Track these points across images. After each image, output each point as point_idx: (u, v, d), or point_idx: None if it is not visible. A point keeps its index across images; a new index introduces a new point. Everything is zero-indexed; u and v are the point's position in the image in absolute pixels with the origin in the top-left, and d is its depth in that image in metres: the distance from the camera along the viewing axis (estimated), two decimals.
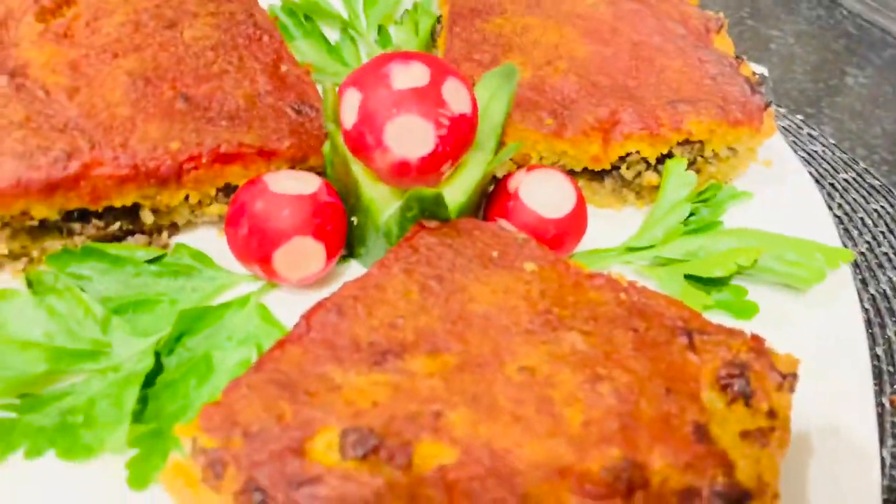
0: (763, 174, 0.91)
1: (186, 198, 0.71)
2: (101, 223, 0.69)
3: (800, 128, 1.12)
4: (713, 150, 0.85)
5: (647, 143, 0.83)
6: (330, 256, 0.69)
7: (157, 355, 0.64)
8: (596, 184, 0.88)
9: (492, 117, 0.76)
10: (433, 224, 0.68)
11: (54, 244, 0.68)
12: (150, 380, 0.63)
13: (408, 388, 0.52)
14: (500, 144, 0.78)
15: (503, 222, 0.74)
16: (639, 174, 0.86)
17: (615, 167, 0.86)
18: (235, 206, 0.68)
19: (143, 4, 0.80)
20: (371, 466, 0.47)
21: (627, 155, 0.84)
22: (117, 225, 0.70)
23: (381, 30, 1.04)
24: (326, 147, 0.71)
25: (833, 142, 1.11)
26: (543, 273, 0.65)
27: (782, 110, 1.13)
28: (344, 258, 0.76)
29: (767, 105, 0.85)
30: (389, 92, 0.66)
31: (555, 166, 0.83)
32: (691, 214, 0.83)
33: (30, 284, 0.65)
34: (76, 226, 0.68)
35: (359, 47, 1.01)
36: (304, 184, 0.69)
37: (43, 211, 0.64)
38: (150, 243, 0.72)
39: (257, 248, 0.67)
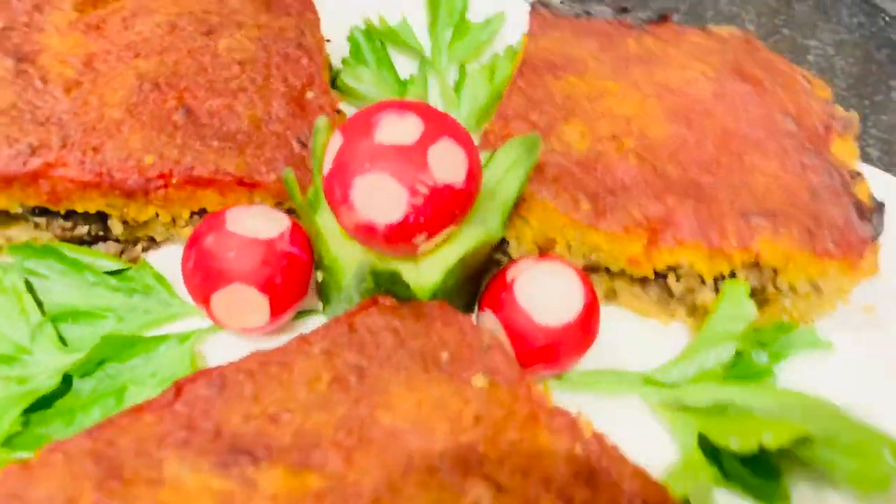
0: (858, 320, 0.72)
1: (158, 215, 0.66)
2: (67, 224, 0.66)
3: None
4: (789, 283, 0.68)
5: (703, 258, 0.68)
6: (276, 311, 0.62)
7: (67, 377, 0.59)
8: (638, 288, 0.73)
9: (502, 191, 0.64)
10: (388, 302, 0.58)
11: (21, 234, 0.66)
12: (48, 401, 0.58)
13: None
14: (510, 222, 0.67)
15: (487, 317, 0.63)
16: (691, 290, 0.71)
17: (661, 275, 0.71)
18: (193, 234, 0.62)
19: (191, 7, 0.77)
20: None
21: (678, 265, 0.69)
22: (85, 229, 0.66)
23: (461, 70, 0.95)
24: (310, 191, 0.64)
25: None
26: (492, 394, 0.53)
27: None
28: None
29: (874, 238, 0.67)
30: (369, 144, 0.57)
31: (584, 261, 0.70)
32: (739, 354, 0.66)
33: None
34: (41, 221, 0.65)
35: (429, 86, 0.93)
36: (269, 226, 0.62)
37: (2, 201, 0.62)
38: (121, 253, 0.68)
39: (199, 285, 0.61)
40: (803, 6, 1.19)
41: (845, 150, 0.76)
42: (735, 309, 0.67)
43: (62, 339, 0.62)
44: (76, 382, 0.60)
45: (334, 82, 0.85)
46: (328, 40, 0.83)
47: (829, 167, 0.72)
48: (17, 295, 0.62)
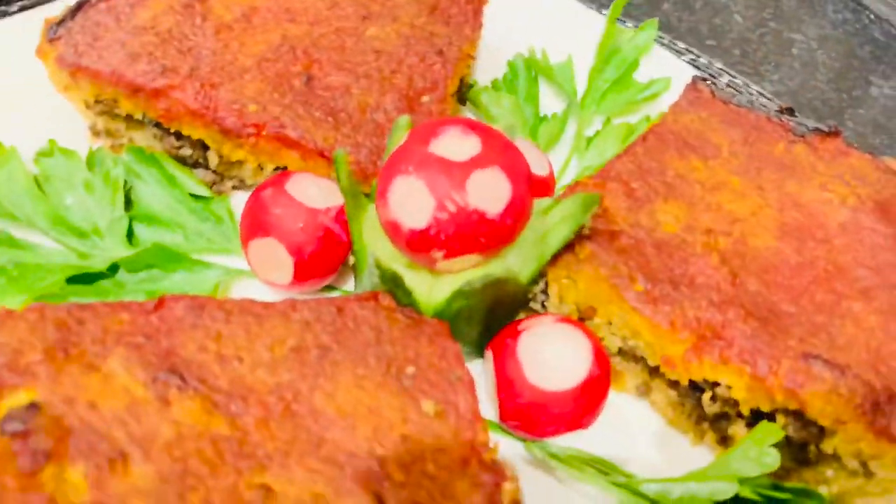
0: None
1: (248, 160, 0.72)
2: (175, 143, 0.74)
3: None
4: (835, 449, 0.59)
5: (743, 385, 0.61)
6: (299, 276, 0.65)
7: (115, 266, 0.67)
8: (675, 394, 0.67)
9: (548, 242, 0.62)
10: (387, 302, 0.59)
11: (141, 140, 0.75)
12: (91, 279, 0.66)
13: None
14: (558, 277, 0.65)
15: (487, 358, 0.61)
16: (725, 416, 0.64)
17: (699, 389, 0.64)
18: (261, 184, 0.67)
19: None
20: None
21: (715, 383, 0.63)
22: (189, 152, 0.74)
23: (606, 122, 0.93)
24: (374, 182, 0.66)
25: None
26: (435, 423, 0.52)
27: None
28: None
29: None
30: (422, 150, 0.58)
31: (622, 344, 0.66)
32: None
33: (90, 159, 0.72)
34: (158, 133, 0.74)
35: (566, 130, 0.92)
36: (322, 198, 0.65)
37: (128, 106, 0.72)
38: (213, 184, 0.76)
39: (245, 228, 0.66)
40: (791, 1, 1.21)
41: None
42: (756, 451, 0.59)
43: (131, 235, 0.70)
44: (121, 273, 0.67)
45: (463, 97, 0.87)
46: (472, 57, 0.85)
47: None
48: (114, 187, 0.71)
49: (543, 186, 0.74)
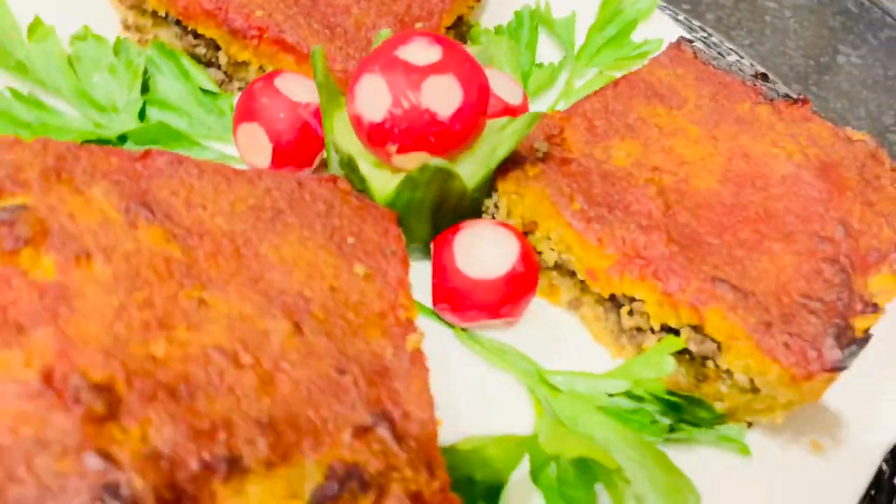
0: (800, 451, 0.66)
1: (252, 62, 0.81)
2: (193, 41, 0.83)
3: None
4: (727, 366, 0.64)
5: (655, 301, 0.67)
6: (277, 161, 0.73)
7: (123, 137, 0.77)
8: (601, 310, 0.73)
9: (493, 154, 0.69)
10: (343, 185, 0.67)
11: (164, 37, 0.85)
12: (102, 143, 0.76)
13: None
14: (510, 191, 0.72)
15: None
16: (640, 331, 0.70)
17: (618, 304, 0.71)
18: (255, 79, 0.76)
19: None
20: None
21: (633, 300, 0.69)
22: (203, 51, 0.83)
23: (599, 74, 0.99)
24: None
25: None
26: (362, 283, 0.60)
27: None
28: None
29: (833, 369, 0.61)
30: (388, 53, 0.66)
31: (556, 258, 0.72)
32: (639, 400, 0.65)
33: (117, 46, 0.82)
34: (179, 32, 0.83)
35: (556, 79, 0.98)
36: (304, 95, 0.73)
37: (154, 2, 0.81)
38: (221, 83, 0.85)
39: (237, 114, 0.75)
40: None
41: (883, 286, 0.68)
42: (656, 359, 0.65)
43: (143, 115, 0.80)
44: (129, 144, 0.77)
45: (463, 35, 0.94)
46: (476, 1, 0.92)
47: (846, 288, 0.66)
48: (135, 73, 0.81)
49: (515, 114, 0.81)
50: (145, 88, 0.82)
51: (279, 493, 0.46)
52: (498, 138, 0.71)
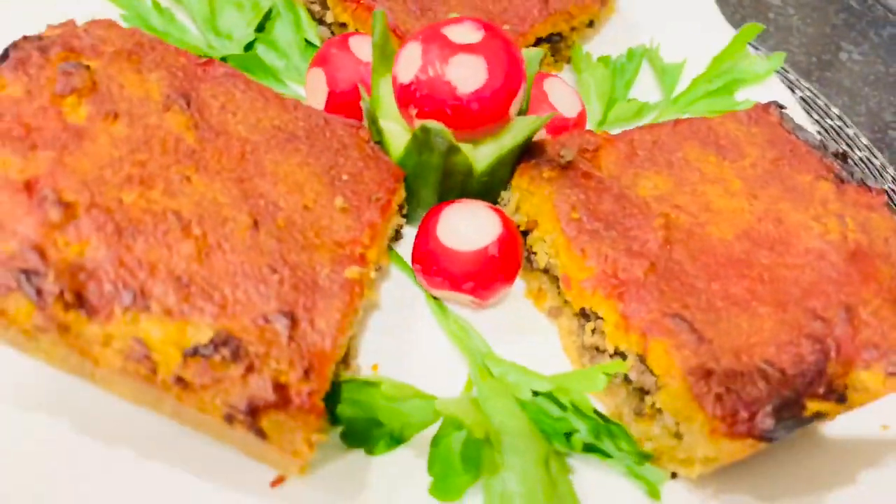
0: None
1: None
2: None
3: None
4: (660, 404, 0.62)
5: (613, 322, 0.67)
6: (329, 108, 0.81)
7: (225, 59, 0.89)
8: (575, 324, 0.73)
9: (503, 145, 0.73)
10: (364, 133, 0.73)
11: None
12: None
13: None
14: (505, 184, 0.75)
15: None
16: (598, 352, 0.70)
17: (586, 318, 0.71)
18: (336, 36, 0.85)
19: None
20: None
21: (598, 318, 0.69)
22: (317, 8, 0.94)
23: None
24: None
25: None
26: (339, 214, 0.66)
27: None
28: None
29: (761, 438, 0.57)
30: (437, 28, 0.71)
31: (546, 262, 0.74)
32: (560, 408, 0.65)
33: None
34: None
35: (641, 117, 0.98)
36: (370, 56, 0.81)
37: None
38: (323, 40, 0.95)
39: (313, 59, 0.84)
40: None
41: (869, 384, 0.62)
42: (591, 375, 0.65)
43: (249, 47, 0.92)
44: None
45: (559, 51, 0.98)
46: (575, 16, 0.95)
47: (816, 368, 0.62)
48: (257, 13, 0.93)
49: (565, 125, 0.83)
50: (260, 28, 0.94)
51: (167, 339, 0.53)
52: (519, 133, 0.74)
